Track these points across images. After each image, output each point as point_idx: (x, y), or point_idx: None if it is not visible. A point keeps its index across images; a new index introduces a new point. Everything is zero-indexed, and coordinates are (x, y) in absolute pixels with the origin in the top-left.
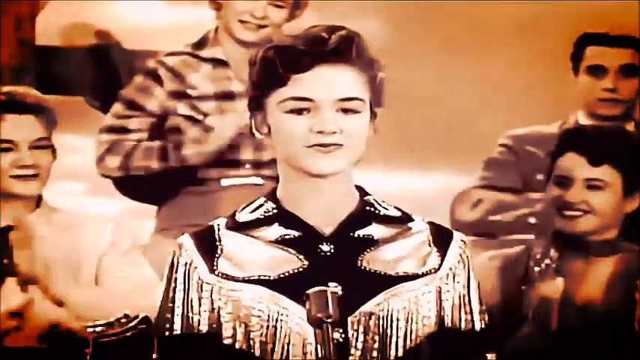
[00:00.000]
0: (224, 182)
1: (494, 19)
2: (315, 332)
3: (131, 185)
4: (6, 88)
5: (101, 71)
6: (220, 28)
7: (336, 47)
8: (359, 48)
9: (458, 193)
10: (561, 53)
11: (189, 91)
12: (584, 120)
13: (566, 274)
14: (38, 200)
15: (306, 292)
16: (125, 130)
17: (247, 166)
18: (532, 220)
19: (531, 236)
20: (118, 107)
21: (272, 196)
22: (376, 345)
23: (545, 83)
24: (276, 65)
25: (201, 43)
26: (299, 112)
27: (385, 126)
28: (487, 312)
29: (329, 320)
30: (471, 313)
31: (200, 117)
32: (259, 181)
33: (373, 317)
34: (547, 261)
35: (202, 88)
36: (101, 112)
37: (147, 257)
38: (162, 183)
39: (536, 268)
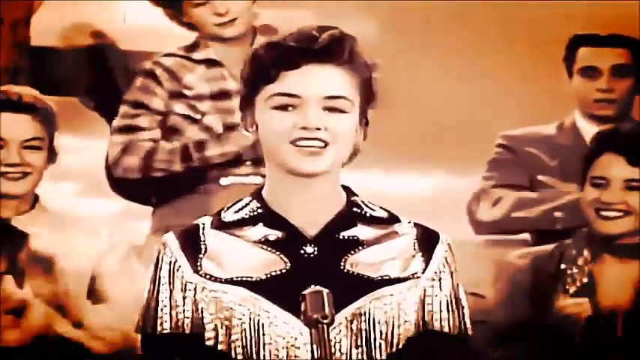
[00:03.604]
0: (223, 181)
1: (490, 19)
2: (311, 332)
3: (127, 186)
4: (4, 87)
5: (96, 72)
6: (204, 36)
7: (326, 46)
8: (351, 49)
9: (473, 194)
10: (558, 53)
11: (185, 92)
12: (580, 120)
13: (598, 275)
14: (34, 201)
15: (302, 292)
16: (137, 129)
17: (248, 163)
18: (558, 214)
19: (559, 227)
20: (124, 109)
21: (257, 195)
22: (360, 349)
23: (542, 83)
24: (265, 62)
25: (193, 46)
26: (285, 108)
27: (383, 127)
28: (515, 309)
29: (325, 321)
30: (459, 317)
31: (198, 116)
32: (259, 180)
33: (355, 321)
34: (580, 262)
35: (198, 88)
36: (96, 112)
37: (143, 258)
38: (160, 183)
39: (569, 270)
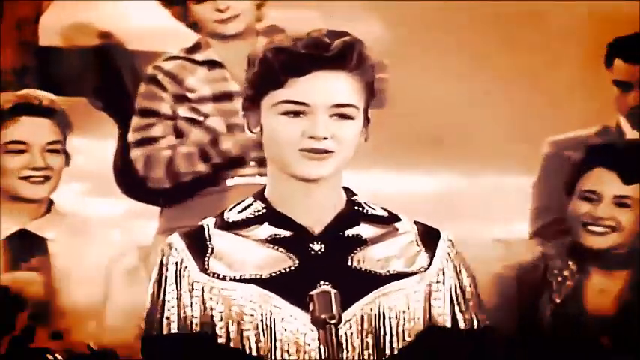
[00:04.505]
0: (229, 182)
1: (490, 19)
2: (318, 332)
3: (135, 187)
4: (24, 91)
5: (104, 72)
6: (205, 34)
7: (338, 53)
8: (360, 55)
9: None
10: (558, 53)
11: (188, 94)
12: (626, 126)
13: (583, 286)
14: (49, 205)
15: (310, 292)
16: (153, 140)
17: (252, 163)
18: None
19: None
20: (135, 121)
21: (260, 196)
22: (370, 343)
23: (542, 83)
24: (274, 67)
25: (195, 47)
26: (293, 114)
27: (384, 127)
28: (500, 319)
29: (332, 321)
30: (464, 312)
31: (201, 119)
32: (264, 180)
33: (365, 316)
34: (565, 273)
35: (200, 90)
36: (105, 112)
37: (150, 258)
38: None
39: (555, 281)
